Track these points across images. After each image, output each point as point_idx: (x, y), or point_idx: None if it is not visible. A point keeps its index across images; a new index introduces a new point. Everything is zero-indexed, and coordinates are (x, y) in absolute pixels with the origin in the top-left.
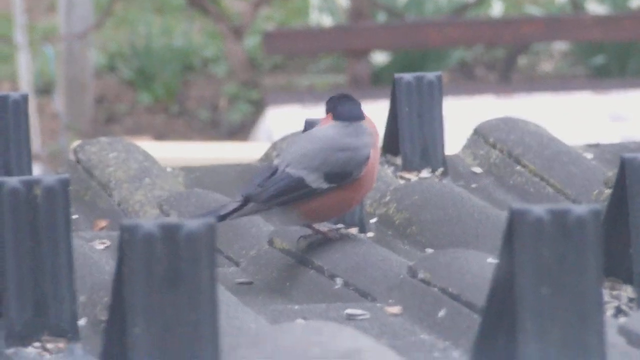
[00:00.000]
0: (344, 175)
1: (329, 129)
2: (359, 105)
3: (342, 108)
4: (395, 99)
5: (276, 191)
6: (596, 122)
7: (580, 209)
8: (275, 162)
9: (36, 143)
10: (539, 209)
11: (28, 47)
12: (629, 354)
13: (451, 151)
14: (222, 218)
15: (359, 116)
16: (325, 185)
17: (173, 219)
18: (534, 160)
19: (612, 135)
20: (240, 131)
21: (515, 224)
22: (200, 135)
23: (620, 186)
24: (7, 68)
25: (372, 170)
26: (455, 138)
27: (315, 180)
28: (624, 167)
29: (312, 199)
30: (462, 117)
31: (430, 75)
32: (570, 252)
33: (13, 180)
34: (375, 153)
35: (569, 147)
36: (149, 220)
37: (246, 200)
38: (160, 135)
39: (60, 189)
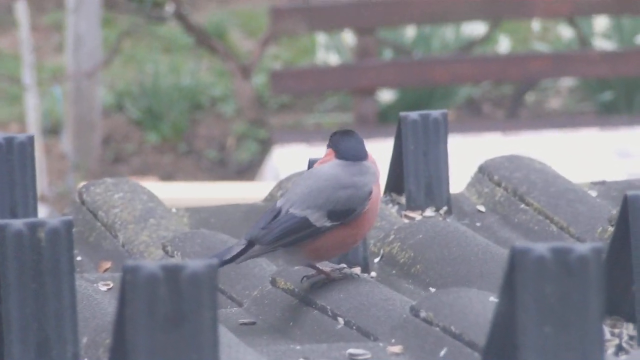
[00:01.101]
0: (347, 212)
1: (333, 168)
2: (362, 142)
3: (346, 147)
4: (400, 137)
5: (281, 232)
6: (603, 158)
7: (582, 248)
8: (279, 203)
9: (43, 184)
10: (540, 248)
11: (36, 87)
12: None
13: (457, 189)
14: (227, 262)
15: (363, 156)
16: (328, 224)
17: (175, 260)
18: (538, 198)
19: (619, 172)
20: (249, 170)
21: (517, 263)
22: (208, 174)
23: (623, 224)
24: (15, 109)
25: (375, 206)
26: (462, 176)
27: (319, 219)
28: (627, 205)
29: (316, 238)
30: (469, 154)
31: (436, 113)
32: (573, 291)
33: (17, 223)
34: (377, 189)
35: (574, 185)
36: (151, 261)
37: (251, 244)
38: (168, 175)
39: (64, 231)
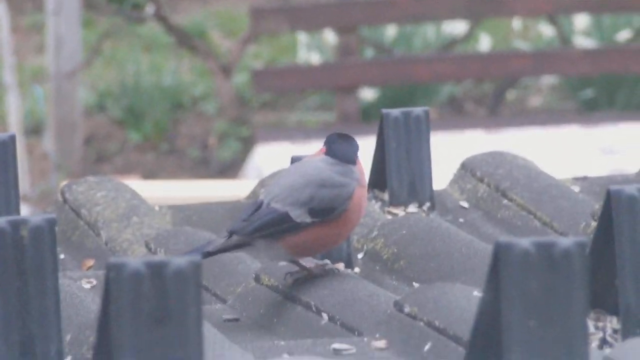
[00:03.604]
0: (328, 210)
1: (318, 162)
2: (356, 149)
3: (338, 147)
4: (382, 134)
5: (260, 225)
6: (586, 155)
7: (566, 242)
8: (261, 197)
9: (25, 184)
10: (524, 242)
11: (17, 88)
12: None
13: (440, 186)
14: (208, 254)
15: (351, 160)
16: (309, 220)
17: (159, 256)
18: (521, 194)
19: (602, 168)
20: (231, 169)
21: (501, 257)
22: (190, 173)
23: (606, 218)
24: None
25: (358, 207)
26: (445, 173)
27: (300, 215)
28: (610, 199)
29: (296, 234)
30: (452, 152)
31: (418, 110)
32: (557, 285)
33: (0, 221)
34: (361, 191)
35: (557, 181)
36: (135, 258)
37: (231, 235)
38: (150, 174)
39: (47, 229)
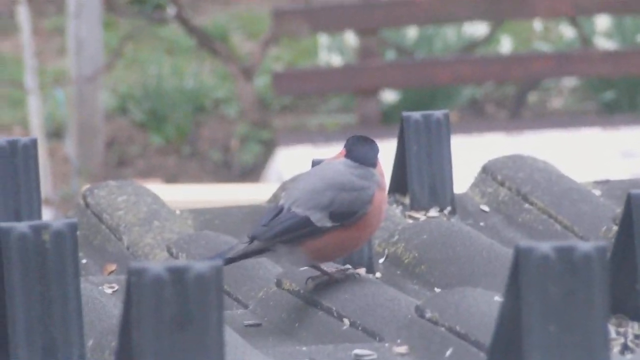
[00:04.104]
0: (349, 214)
1: (338, 166)
2: (376, 152)
3: (357, 150)
4: (403, 137)
5: (281, 230)
6: (606, 158)
7: (586, 246)
8: (281, 201)
9: (47, 187)
10: (544, 247)
11: (38, 91)
12: None
13: (461, 189)
14: (230, 261)
15: (371, 163)
16: (329, 224)
17: (181, 261)
18: (542, 198)
19: (622, 171)
20: (253, 172)
21: (521, 262)
22: (212, 176)
23: (627, 222)
24: (18, 112)
25: (379, 211)
26: (466, 176)
27: (320, 219)
28: (631, 203)
29: (317, 238)
30: (472, 155)
31: (438, 113)
32: (577, 289)
33: (22, 226)
34: (381, 195)
35: (578, 184)
36: (156, 263)
37: (252, 241)
38: (172, 177)
39: (69, 234)
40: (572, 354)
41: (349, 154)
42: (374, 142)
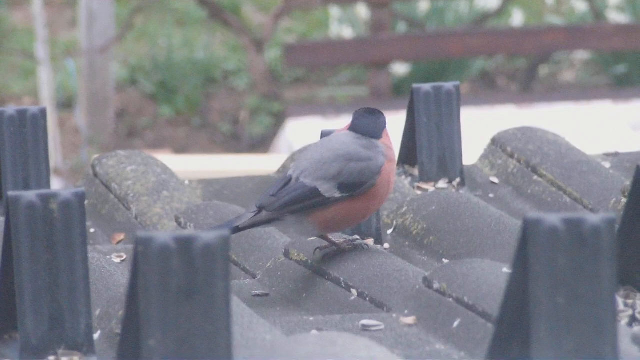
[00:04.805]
0: (357, 185)
1: (342, 137)
2: (382, 124)
3: (361, 122)
4: (413, 109)
5: (290, 200)
6: (617, 131)
7: (594, 218)
8: (290, 172)
9: (57, 157)
10: (553, 218)
11: (49, 62)
12: None
13: (471, 161)
14: (237, 229)
15: (374, 134)
16: (338, 195)
17: (188, 231)
18: (552, 170)
19: (632, 144)
20: (262, 143)
21: (530, 233)
22: (222, 148)
23: (636, 195)
24: (28, 83)
25: (387, 182)
26: (475, 148)
27: (329, 190)
28: None
29: (325, 209)
30: (483, 127)
31: (449, 85)
32: (585, 261)
33: (30, 195)
34: (390, 166)
35: (587, 157)
36: (164, 232)
37: (260, 210)
38: (181, 149)
39: (77, 203)
40: (580, 325)
41: (353, 126)
42: (381, 114)
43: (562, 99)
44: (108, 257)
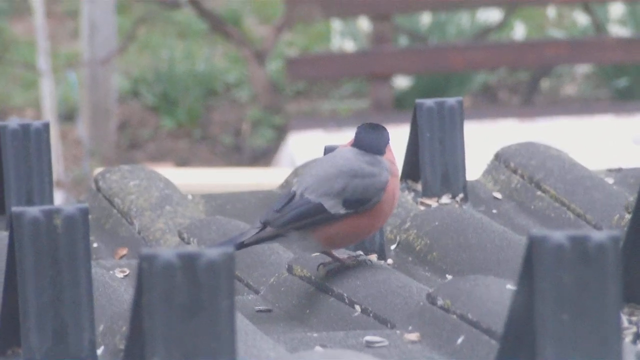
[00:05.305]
0: (362, 201)
1: (346, 153)
2: (385, 139)
3: (365, 137)
4: (416, 124)
5: (294, 216)
6: (619, 145)
7: (599, 235)
8: (294, 187)
9: (59, 169)
10: (558, 236)
11: (51, 74)
12: None
13: (474, 176)
14: (241, 245)
15: (378, 150)
16: (343, 211)
17: (192, 248)
18: (555, 185)
19: (635, 159)
20: (264, 156)
21: (535, 251)
22: (223, 160)
23: None
24: (30, 94)
25: (392, 198)
26: (478, 163)
27: (333, 206)
28: None
29: (329, 225)
30: (485, 141)
31: (452, 100)
32: (591, 279)
33: (33, 210)
34: (394, 182)
35: (590, 172)
36: (168, 249)
37: (264, 226)
38: (183, 161)
39: (80, 219)
40: (585, 342)
41: (356, 141)
42: (384, 129)
43: (564, 112)
44: (111, 272)
